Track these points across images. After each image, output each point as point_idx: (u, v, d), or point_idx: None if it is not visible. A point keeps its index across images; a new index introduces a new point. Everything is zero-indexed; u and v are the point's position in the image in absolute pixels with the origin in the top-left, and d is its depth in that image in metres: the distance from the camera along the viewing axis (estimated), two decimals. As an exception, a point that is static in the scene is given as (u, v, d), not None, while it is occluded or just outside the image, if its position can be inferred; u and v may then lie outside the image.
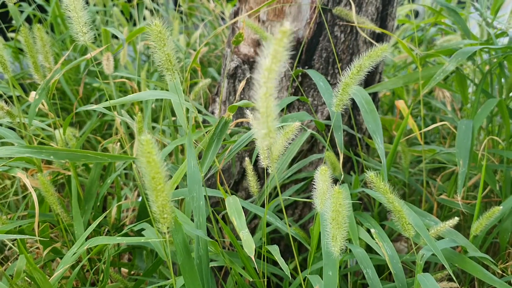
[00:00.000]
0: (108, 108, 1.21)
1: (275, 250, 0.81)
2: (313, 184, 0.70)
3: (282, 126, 0.81)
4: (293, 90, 1.20)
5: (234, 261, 0.88)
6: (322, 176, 0.68)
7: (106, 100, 2.03)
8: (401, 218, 0.74)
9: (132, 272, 1.19)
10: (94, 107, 0.74)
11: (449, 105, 1.58)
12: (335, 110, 0.79)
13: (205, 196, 0.81)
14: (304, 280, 0.90)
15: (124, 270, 1.23)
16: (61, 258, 1.11)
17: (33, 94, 1.02)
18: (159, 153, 0.51)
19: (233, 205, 0.83)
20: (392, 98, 1.81)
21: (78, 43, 0.78)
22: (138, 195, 1.54)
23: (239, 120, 1.07)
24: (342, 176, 0.98)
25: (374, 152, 1.39)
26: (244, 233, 0.76)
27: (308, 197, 1.17)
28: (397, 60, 1.87)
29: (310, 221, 1.25)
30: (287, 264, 0.88)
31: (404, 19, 1.87)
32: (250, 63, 1.24)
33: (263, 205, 1.05)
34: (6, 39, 2.22)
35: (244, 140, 0.90)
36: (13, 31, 2.29)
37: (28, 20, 2.49)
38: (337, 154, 1.08)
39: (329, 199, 0.67)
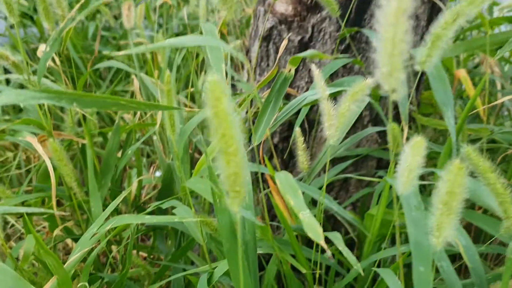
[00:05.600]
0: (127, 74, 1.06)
1: (337, 238, 0.68)
2: (398, 161, 0.55)
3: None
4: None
5: (283, 248, 0.74)
6: (414, 149, 0.52)
7: (116, 72, 1.89)
8: (503, 202, 0.59)
9: (152, 256, 1.06)
10: (120, 53, 0.59)
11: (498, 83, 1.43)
12: (420, 69, 0.64)
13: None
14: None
15: (142, 254, 1.09)
16: (72, 239, 0.98)
17: (42, 47, 0.86)
18: (231, 101, 0.36)
19: (286, 182, 0.68)
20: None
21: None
22: (155, 171, 1.41)
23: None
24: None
25: (423, 129, 1.24)
26: (304, 214, 0.62)
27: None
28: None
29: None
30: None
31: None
32: (288, 23, 1.09)
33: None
34: None
35: (298, 102, 0.74)
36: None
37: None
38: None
39: (415, 178, 0.52)
